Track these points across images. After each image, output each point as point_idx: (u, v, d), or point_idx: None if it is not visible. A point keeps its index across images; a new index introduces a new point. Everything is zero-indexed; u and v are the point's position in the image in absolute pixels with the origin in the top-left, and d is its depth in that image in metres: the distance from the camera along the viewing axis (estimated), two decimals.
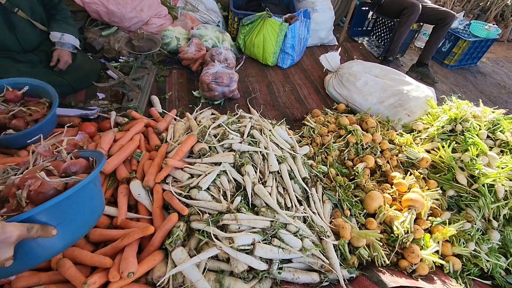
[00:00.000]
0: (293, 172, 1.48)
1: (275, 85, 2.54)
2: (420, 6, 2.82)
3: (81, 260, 1.06)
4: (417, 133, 2.01)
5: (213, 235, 1.11)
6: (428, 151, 1.86)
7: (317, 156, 1.76)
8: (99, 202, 0.97)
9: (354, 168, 1.69)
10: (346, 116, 2.04)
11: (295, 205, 1.36)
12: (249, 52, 2.80)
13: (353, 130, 1.85)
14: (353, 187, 1.58)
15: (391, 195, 1.58)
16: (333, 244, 1.27)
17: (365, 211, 1.51)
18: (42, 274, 1.02)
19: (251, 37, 2.69)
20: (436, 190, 1.62)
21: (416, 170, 1.73)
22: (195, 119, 1.83)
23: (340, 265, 1.24)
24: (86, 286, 0.94)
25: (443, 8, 2.98)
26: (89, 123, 1.64)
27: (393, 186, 1.63)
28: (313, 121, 2.02)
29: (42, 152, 1.00)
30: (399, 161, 1.81)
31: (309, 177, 1.51)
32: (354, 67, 2.47)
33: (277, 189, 1.41)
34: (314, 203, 1.44)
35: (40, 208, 0.71)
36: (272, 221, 1.22)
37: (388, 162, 1.80)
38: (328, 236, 1.31)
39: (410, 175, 1.69)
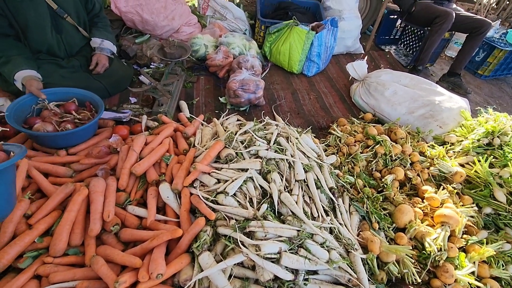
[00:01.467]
0: (320, 182, 1.46)
1: (300, 93, 2.54)
2: (454, 14, 2.73)
3: (112, 259, 1.10)
4: (450, 146, 1.92)
5: (240, 241, 1.11)
6: (462, 165, 1.77)
7: (344, 166, 1.73)
8: (5, 203, 0.94)
9: (383, 179, 1.64)
10: (374, 126, 1.99)
11: (322, 215, 1.33)
12: (274, 59, 2.82)
13: (382, 141, 1.80)
14: (381, 200, 1.54)
15: (422, 210, 1.52)
16: (361, 257, 1.23)
17: (394, 225, 1.46)
18: (77, 270, 1.06)
19: (277, 45, 2.71)
20: (472, 207, 1.53)
21: (449, 185, 1.65)
22: (221, 125, 1.86)
23: (368, 280, 1.19)
24: (118, 285, 0.97)
25: (478, 17, 2.87)
26: (122, 126, 1.71)
27: (424, 201, 1.57)
28: (339, 130, 1.99)
29: None
30: (430, 175, 1.73)
31: (335, 187, 1.49)
32: (382, 76, 2.42)
33: (303, 198, 1.39)
34: (341, 214, 1.41)
35: None
36: (298, 230, 1.20)
37: (418, 175, 1.73)
38: (356, 249, 1.27)
39: (442, 189, 1.61)
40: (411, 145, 1.86)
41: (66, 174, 1.40)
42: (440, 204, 1.52)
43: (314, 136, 1.93)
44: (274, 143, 1.57)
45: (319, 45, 2.64)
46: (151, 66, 2.43)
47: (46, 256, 1.08)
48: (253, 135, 1.57)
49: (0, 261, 0.98)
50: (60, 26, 1.76)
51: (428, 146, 1.90)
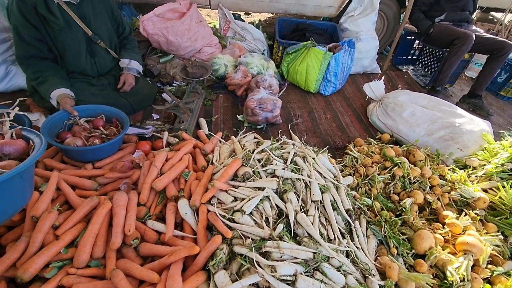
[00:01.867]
0: (336, 203, 1.45)
1: (316, 112, 2.56)
2: (473, 36, 2.71)
3: (131, 273, 1.13)
4: (472, 170, 1.87)
5: (256, 261, 1.12)
6: (485, 191, 1.71)
7: (361, 188, 1.71)
8: (20, 196, 0.91)
9: (401, 203, 1.61)
10: (392, 147, 1.97)
11: (338, 238, 1.32)
12: (291, 79, 2.88)
13: (400, 163, 1.77)
14: (400, 224, 1.50)
15: (443, 236, 1.47)
16: (378, 284, 1.20)
17: (413, 251, 1.42)
18: (98, 282, 1.10)
19: (295, 64, 2.77)
20: (497, 235, 1.47)
21: (472, 211, 1.59)
22: (239, 143, 1.91)
23: None
24: None
25: (499, 38, 2.84)
26: (144, 142, 1.79)
27: (445, 227, 1.52)
28: (356, 151, 1.99)
29: None
30: (451, 199, 1.68)
31: (352, 209, 1.47)
32: (400, 96, 2.42)
33: (319, 220, 1.38)
34: (358, 237, 1.39)
35: None
36: (314, 252, 1.19)
37: (438, 199, 1.69)
38: (373, 274, 1.24)
39: (465, 215, 1.56)
40: (430, 168, 1.82)
41: (92, 187, 1.47)
42: (462, 231, 1.47)
43: (330, 156, 1.94)
44: (290, 163, 1.59)
45: (336, 65, 2.68)
46: (173, 84, 2.55)
47: (70, 267, 1.13)
48: (270, 154, 1.59)
49: (28, 270, 1.03)
50: (94, 50, 1.90)
51: (448, 169, 1.86)
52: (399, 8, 3.39)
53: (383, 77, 3.19)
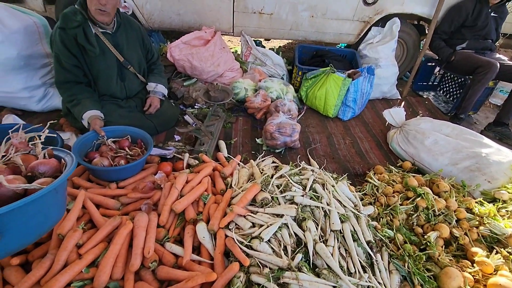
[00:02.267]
0: (357, 234, 1.41)
1: (335, 137, 2.56)
2: (498, 65, 2.67)
3: None
4: (502, 204, 1.77)
5: None
6: None
7: (382, 218, 1.66)
8: (57, 210, 0.97)
9: (425, 236, 1.54)
10: (414, 176, 1.92)
11: (359, 272, 1.27)
12: (310, 103, 2.91)
13: (423, 193, 1.72)
14: (424, 259, 1.43)
15: (473, 276, 1.38)
16: None
17: None
18: None
19: (314, 89, 2.81)
20: None
21: (504, 249, 1.49)
22: (257, 166, 1.92)
23: None
24: None
25: None
26: (166, 163, 1.84)
27: (474, 265, 1.43)
28: (377, 178, 1.95)
29: (16, 143, 1.03)
30: (480, 235, 1.59)
31: (373, 241, 1.42)
32: (421, 124, 2.37)
33: (339, 251, 1.34)
34: (380, 272, 1.33)
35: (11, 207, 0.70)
36: (334, 286, 1.15)
37: (466, 234, 1.60)
38: None
39: (496, 253, 1.46)
40: (456, 200, 1.75)
41: (115, 207, 1.52)
42: (494, 271, 1.38)
43: (349, 183, 1.91)
44: (309, 190, 1.57)
45: (355, 91, 2.70)
46: (195, 106, 2.64)
47: (90, 287, 1.14)
48: (289, 180, 1.59)
49: None
50: (124, 75, 2.03)
51: (476, 202, 1.77)
52: (419, 35, 3.41)
53: (403, 103, 3.18)
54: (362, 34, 3.24)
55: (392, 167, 2.14)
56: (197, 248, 1.41)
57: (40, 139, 1.11)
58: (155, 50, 2.26)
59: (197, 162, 1.93)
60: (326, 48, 3.31)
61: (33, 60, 2.15)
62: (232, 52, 3.27)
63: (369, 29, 3.15)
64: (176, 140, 2.23)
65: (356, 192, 1.84)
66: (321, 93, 2.75)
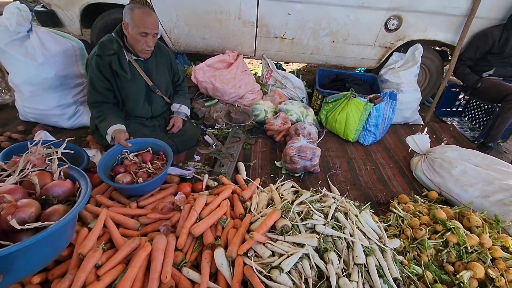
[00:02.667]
0: (382, 269, 1.33)
1: (356, 162, 2.50)
2: None
3: None
4: None
5: None
6: None
7: (408, 253, 1.56)
8: (65, 240, 0.97)
9: (457, 275, 1.42)
10: (442, 208, 1.82)
11: None
12: (330, 127, 2.88)
13: (454, 228, 1.61)
14: None
15: None
16: None
17: None
18: None
19: (334, 113, 2.80)
20: None
21: None
22: (276, 190, 1.89)
23: None
24: None
25: None
26: (185, 184, 1.85)
27: None
28: (401, 208, 1.86)
29: (34, 160, 1.03)
30: None
31: (401, 278, 1.33)
32: (448, 152, 2.28)
33: (363, 287, 1.27)
34: None
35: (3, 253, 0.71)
36: None
37: (502, 275, 1.47)
38: None
39: None
40: (490, 236, 1.63)
41: (134, 227, 1.52)
42: None
43: (372, 213, 1.83)
44: (331, 219, 1.52)
45: (377, 116, 2.65)
46: (215, 126, 2.68)
47: None
48: (310, 207, 1.55)
49: None
50: (151, 98, 2.12)
51: None
52: (442, 61, 3.37)
53: (426, 129, 3.09)
54: (383, 59, 3.23)
55: (417, 197, 2.04)
56: (214, 274, 1.38)
57: (57, 154, 1.09)
58: (181, 72, 2.35)
59: (216, 183, 1.92)
60: (347, 72, 3.32)
61: (68, 80, 2.28)
62: (253, 74, 3.34)
63: (391, 55, 3.15)
64: (196, 160, 2.25)
65: (380, 222, 1.76)
66: (341, 117, 2.72)
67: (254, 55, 3.24)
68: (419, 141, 2.43)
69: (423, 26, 2.97)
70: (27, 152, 1.08)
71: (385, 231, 1.69)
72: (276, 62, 3.54)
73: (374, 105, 2.63)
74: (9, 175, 1.05)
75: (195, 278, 1.31)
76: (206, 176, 1.96)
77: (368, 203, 1.81)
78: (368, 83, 3.30)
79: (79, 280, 1.15)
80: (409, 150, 2.55)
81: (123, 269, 1.26)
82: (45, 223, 0.83)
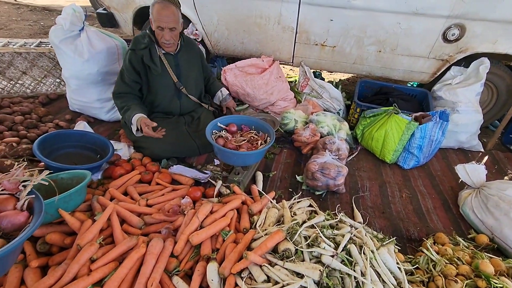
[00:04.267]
0: None
1: (389, 187, 2.21)
2: None
3: None
4: None
5: None
6: None
7: None
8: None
9: None
10: (490, 258, 1.48)
11: None
12: (365, 144, 2.62)
13: None
14: None
15: None
16: None
17: None
18: None
19: (371, 130, 2.53)
20: None
21: None
22: (290, 207, 1.75)
23: None
24: None
25: None
26: (197, 188, 1.82)
27: None
28: (436, 251, 1.56)
29: (5, 184, 0.99)
30: None
31: None
32: (509, 190, 1.87)
33: None
34: None
35: None
36: None
37: None
38: None
39: None
40: None
41: (137, 225, 1.52)
42: None
43: (398, 249, 1.59)
44: (342, 250, 1.33)
45: (422, 137, 2.33)
46: None
47: None
48: (318, 234, 1.38)
49: None
50: (181, 94, 2.21)
51: None
52: None
53: (485, 159, 2.64)
54: (438, 74, 2.85)
55: (460, 239, 1.71)
56: None
57: (31, 183, 1.01)
58: (209, 68, 2.46)
59: (228, 191, 1.86)
60: (393, 85, 3.00)
61: (108, 76, 2.45)
62: (290, 82, 3.22)
63: (448, 69, 2.76)
64: (215, 164, 2.22)
65: (405, 262, 1.50)
66: (379, 134, 2.45)
67: (292, 62, 3.13)
68: (472, 172, 2.05)
69: (493, 37, 2.53)
70: (6, 173, 1.04)
71: (410, 275, 1.44)
72: (315, 71, 3.37)
73: (419, 124, 2.32)
74: None
75: None
76: (220, 182, 1.90)
77: (394, 238, 1.56)
78: (417, 99, 2.93)
79: (71, 271, 1.17)
80: (460, 181, 2.18)
81: (115, 267, 1.26)
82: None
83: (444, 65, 2.78)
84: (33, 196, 1.06)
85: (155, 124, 1.89)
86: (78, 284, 1.14)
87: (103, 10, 3.44)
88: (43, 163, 1.79)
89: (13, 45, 2.71)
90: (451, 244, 1.65)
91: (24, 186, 1.01)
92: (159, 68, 2.01)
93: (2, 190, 0.96)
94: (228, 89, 2.78)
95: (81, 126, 2.38)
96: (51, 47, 2.68)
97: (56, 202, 1.28)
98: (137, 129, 1.94)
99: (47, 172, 1.09)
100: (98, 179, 1.89)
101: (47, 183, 1.08)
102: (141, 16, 3.24)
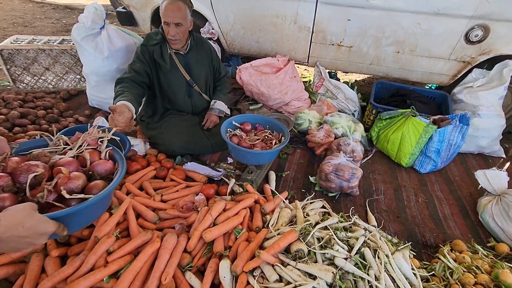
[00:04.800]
0: None
1: (405, 191, 2.16)
2: None
3: None
4: None
5: None
6: None
7: None
8: (102, 209, 1.20)
9: None
10: (511, 269, 1.43)
11: None
12: (381, 146, 2.58)
13: None
14: None
15: None
16: None
17: None
18: None
19: (387, 132, 2.49)
20: None
21: None
22: (303, 208, 1.74)
23: None
24: None
25: None
26: (210, 185, 1.84)
27: None
28: (453, 258, 1.52)
29: (89, 140, 1.25)
30: None
31: None
32: None
33: None
34: None
35: (69, 211, 0.93)
36: None
37: None
38: None
39: None
40: None
41: (152, 220, 1.55)
42: None
43: (413, 255, 1.55)
44: (356, 254, 1.32)
45: (440, 141, 2.26)
46: None
47: None
48: (332, 236, 1.37)
49: None
50: (191, 92, 2.22)
51: None
52: None
53: (507, 165, 2.54)
54: (459, 76, 2.76)
55: (479, 247, 1.65)
56: (218, 285, 1.31)
57: (107, 137, 1.29)
58: (222, 69, 2.41)
59: (241, 190, 1.86)
60: (411, 87, 2.93)
61: None
62: (304, 82, 3.20)
63: (470, 71, 2.67)
64: (229, 162, 2.23)
65: (420, 268, 1.47)
66: (395, 137, 2.40)
67: (307, 62, 3.10)
68: (492, 178, 1.98)
69: None
70: (86, 132, 1.29)
71: (426, 282, 1.40)
72: (330, 71, 3.33)
73: (438, 127, 2.25)
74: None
75: (195, 285, 1.27)
76: (233, 180, 1.91)
77: (409, 243, 1.53)
78: (436, 102, 2.85)
79: (88, 262, 1.21)
80: (479, 187, 2.11)
81: (131, 260, 1.29)
82: (87, 196, 1.01)
83: (466, 67, 2.69)
84: (111, 147, 1.30)
85: (127, 113, 1.63)
86: (96, 274, 1.17)
87: (122, 8, 3.51)
88: None
89: (38, 42, 2.81)
90: (469, 252, 1.60)
91: (101, 142, 1.25)
92: (168, 65, 2.03)
93: (87, 145, 1.23)
94: (244, 89, 2.80)
95: (100, 121, 2.45)
96: (73, 44, 2.78)
97: None
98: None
99: (114, 129, 1.35)
100: None
101: (118, 138, 1.35)
102: (159, 14, 3.29)
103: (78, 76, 3.05)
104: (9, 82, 2.87)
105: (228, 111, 2.35)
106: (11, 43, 2.72)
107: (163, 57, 2.01)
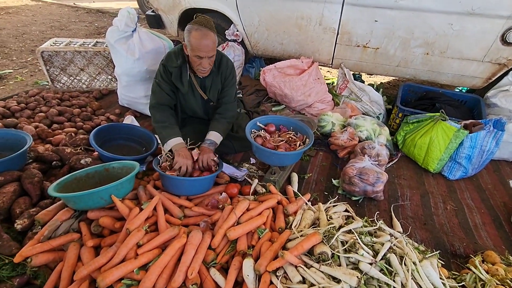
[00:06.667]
0: None
1: (432, 198, 2.09)
2: None
3: None
4: None
5: None
6: None
7: None
8: (207, 186, 1.81)
9: None
10: None
11: None
12: (407, 150, 2.50)
13: None
14: None
15: None
16: None
17: None
18: None
19: (414, 136, 2.41)
20: None
21: None
22: (326, 211, 1.73)
23: None
24: None
25: None
26: (234, 185, 1.87)
27: None
28: (485, 270, 1.45)
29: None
30: None
31: None
32: None
33: None
34: None
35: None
36: None
37: None
38: None
39: None
40: None
41: (178, 216, 1.61)
42: None
43: (442, 264, 1.50)
44: (381, 259, 1.29)
45: (472, 147, 2.17)
46: None
47: None
48: (357, 240, 1.35)
49: (106, 279, 1.16)
50: (208, 109, 2.19)
51: None
52: None
53: None
54: (493, 79, 2.63)
55: None
56: (240, 284, 1.34)
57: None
58: (231, 93, 2.14)
59: (264, 190, 1.88)
60: (440, 90, 2.82)
61: (155, 74, 2.59)
62: (328, 84, 3.17)
63: (506, 74, 2.53)
64: (251, 162, 2.26)
65: (449, 278, 1.42)
66: (423, 141, 2.32)
67: (331, 64, 3.08)
68: None
69: None
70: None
71: None
72: (354, 73, 3.27)
73: (469, 133, 2.16)
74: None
75: (219, 281, 1.30)
76: (256, 181, 1.94)
77: (437, 252, 1.48)
78: (467, 106, 2.73)
79: (120, 253, 1.27)
80: None
81: (159, 254, 1.34)
82: (201, 177, 1.71)
83: (501, 69, 2.55)
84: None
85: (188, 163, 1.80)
86: (127, 266, 1.23)
87: (151, 12, 3.65)
88: (97, 153, 1.96)
89: (74, 44, 2.99)
90: (503, 264, 1.52)
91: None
92: (185, 88, 1.97)
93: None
94: (266, 89, 2.82)
95: (129, 120, 2.57)
96: (106, 46, 2.92)
97: (109, 189, 1.41)
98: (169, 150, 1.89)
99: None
100: (143, 170, 2.02)
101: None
102: (186, 18, 3.39)
103: (110, 77, 3.20)
104: (47, 82, 3.07)
105: (218, 143, 2.03)
106: (51, 45, 2.91)
107: (182, 80, 1.96)
